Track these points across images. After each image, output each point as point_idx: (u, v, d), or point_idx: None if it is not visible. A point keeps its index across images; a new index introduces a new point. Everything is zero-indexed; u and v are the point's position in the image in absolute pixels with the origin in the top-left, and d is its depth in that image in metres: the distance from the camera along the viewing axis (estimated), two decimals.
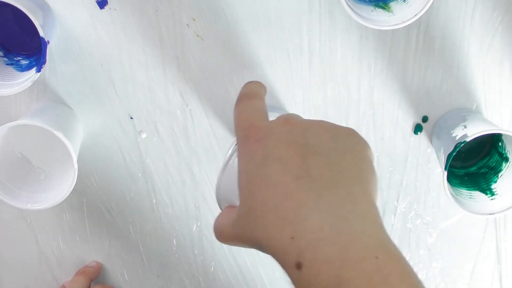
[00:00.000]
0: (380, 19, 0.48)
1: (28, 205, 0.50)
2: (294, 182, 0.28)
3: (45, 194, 0.52)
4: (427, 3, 0.45)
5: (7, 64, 0.52)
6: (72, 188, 0.49)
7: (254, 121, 0.32)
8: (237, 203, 0.31)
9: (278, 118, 0.33)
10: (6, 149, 0.52)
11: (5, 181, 0.50)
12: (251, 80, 0.55)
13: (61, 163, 0.54)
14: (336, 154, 0.30)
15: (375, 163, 0.32)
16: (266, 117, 0.33)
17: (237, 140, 0.32)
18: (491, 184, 0.53)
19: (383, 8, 0.50)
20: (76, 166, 0.49)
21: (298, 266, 0.26)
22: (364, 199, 0.29)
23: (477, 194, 0.53)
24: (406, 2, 0.48)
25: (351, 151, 0.31)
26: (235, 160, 0.35)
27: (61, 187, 0.51)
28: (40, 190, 0.52)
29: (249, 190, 0.29)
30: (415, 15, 0.46)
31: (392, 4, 0.50)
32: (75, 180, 0.49)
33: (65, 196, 0.49)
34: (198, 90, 0.55)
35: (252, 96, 0.35)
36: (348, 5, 0.45)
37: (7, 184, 0.50)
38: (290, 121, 0.32)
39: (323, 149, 0.30)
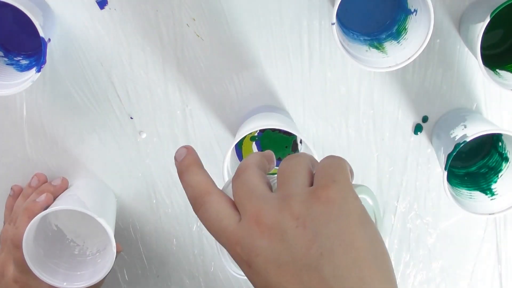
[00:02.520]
0: (374, 60, 0.48)
1: (65, 284, 0.49)
2: None
3: (80, 272, 0.51)
4: (420, 47, 0.45)
5: (7, 64, 0.52)
6: (109, 271, 0.49)
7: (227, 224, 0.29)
8: None
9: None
10: (43, 223, 0.52)
11: (43, 257, 0.50)
12: (250, 79, 0.55)
13: (95, 235, 0.54)
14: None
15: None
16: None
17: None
18: (491, 184, 0.53)
19: (377, 48, 0.50)
20: (114, 250, 0.48)
21: None
22: None
23: (477, 194, 0.53)
24: (400, 44, 0.48)
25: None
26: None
27: (96, 266, 0.51)
28: (75, 268, 0.52)
29: None
30: (408, 58, 0.46)
31: (386, 45, 0.50)
32: (113, 263, 0.49)
33: (102, 277, 0.49)
34: (198, 90, 0.55)
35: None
36: (343, 45, 0.45)
37: (45, 260, 0.50)
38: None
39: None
